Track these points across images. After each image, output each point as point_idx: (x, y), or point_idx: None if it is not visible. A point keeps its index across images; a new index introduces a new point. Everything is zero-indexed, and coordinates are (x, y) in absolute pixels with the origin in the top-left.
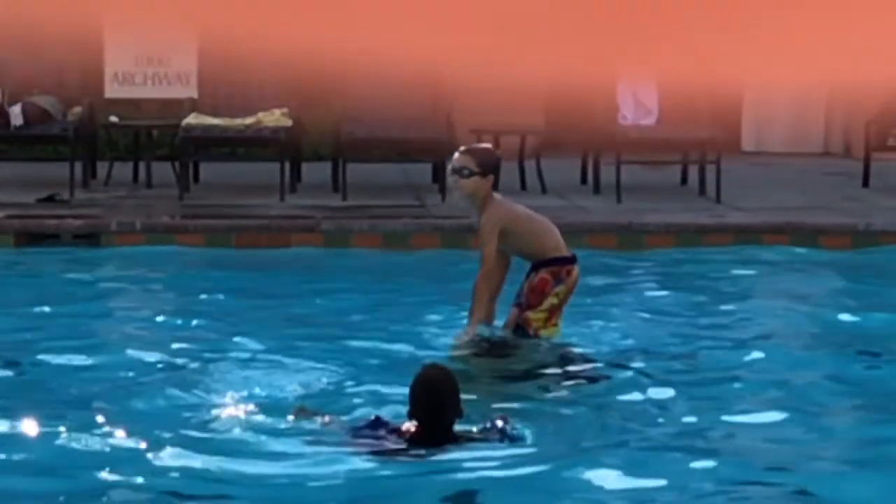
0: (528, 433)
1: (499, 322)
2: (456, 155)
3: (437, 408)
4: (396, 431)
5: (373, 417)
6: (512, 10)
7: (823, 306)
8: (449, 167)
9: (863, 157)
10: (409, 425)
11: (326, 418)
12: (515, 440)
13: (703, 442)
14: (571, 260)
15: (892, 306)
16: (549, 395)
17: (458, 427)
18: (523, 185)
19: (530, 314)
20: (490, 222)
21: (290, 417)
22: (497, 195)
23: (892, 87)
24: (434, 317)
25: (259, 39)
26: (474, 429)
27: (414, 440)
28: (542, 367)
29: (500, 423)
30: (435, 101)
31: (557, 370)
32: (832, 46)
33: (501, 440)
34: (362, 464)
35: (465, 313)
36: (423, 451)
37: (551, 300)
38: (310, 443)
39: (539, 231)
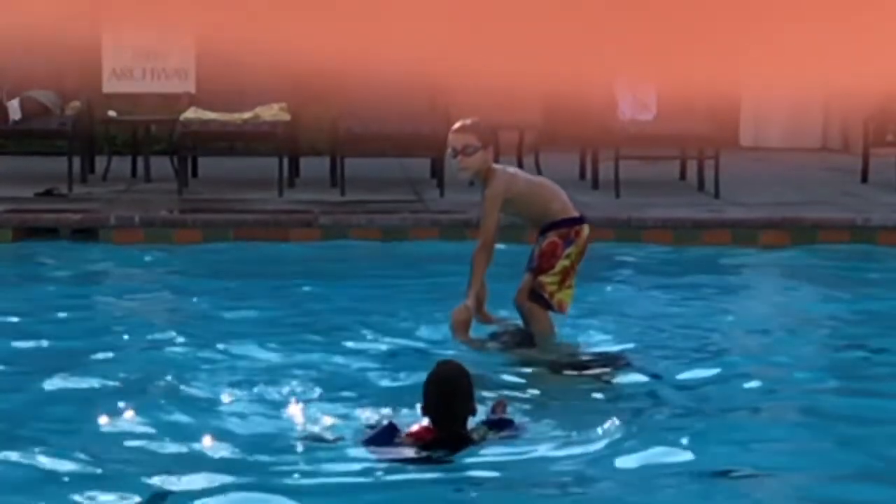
0: (530, 428)
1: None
2: (453, 135)
3: (450, 405)
4: (410, 435)
5: (386, 423)
6: (510, 5)
7: (822, 301)
8: (449, 149)
9: (861, 152)
10: (422, 427)
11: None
12: (520, 430)
13: (703, 436)
14: (580, 220)
15: (891, 301)
16: (556, 390)
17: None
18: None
19: (544, 278)
20: (494, 194)
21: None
22: (496, 165)
23: (891, 82)
24: (432, 312)
25: (257, 34)
26: (478, 426)
27: (428, 443)
28: (547, 362)
29: (501, 415)
30: (432, 96)
31: (562, 365)
32: (830, 44)
33: (508, 431)
34: (377, 472)
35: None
36: (437, 456)
37: (563, 262)
38: (320, 449)
39: (543, 195)
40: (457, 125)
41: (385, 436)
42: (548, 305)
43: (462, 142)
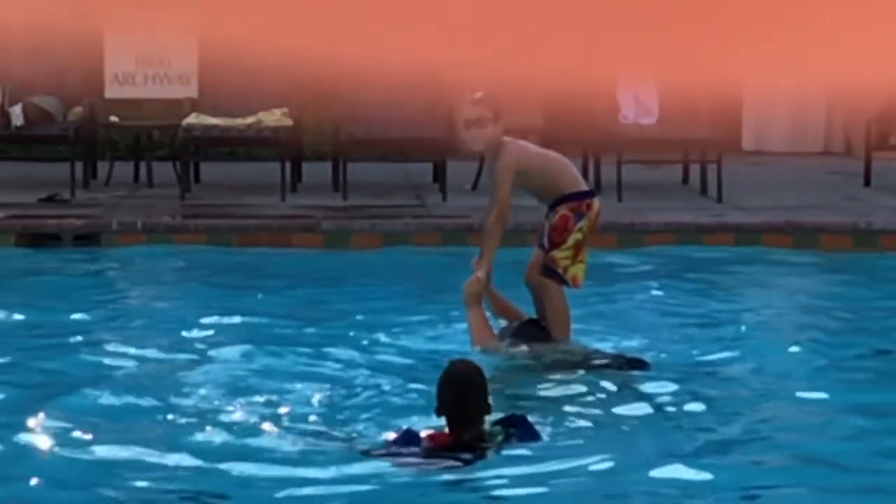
0: (544, 429)
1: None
2: (466, 107)
3: (465, 404)
4: (429, 440)
5: (404, 429)
6: (511, 10)
7: (824, 305)
8: (462, 120)
9: (863, 156)
10: (440, 431)
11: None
12: (536, 437)
13: (706, 439)
14: (590, 194)
15: (894, 304)
16: (568, 391)
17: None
18: None
19: (556, 253)
20: (506, 165)
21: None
22: (507, 138)
23: (893, 85)
24: (435, 316)
25: (259, 40)
26: (494, 427)
27: (447, 446)
28: (556, 365)
29: (519, 421)
30: (434, 100)
31: (574, 365)
32: (833, 46)
33: (524, 438)
34: (398, 477)
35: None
36: (458, 459)
37: (575, 236)
38: (337, 455)
39: (554, 168)
40: (469, 97)
41: (405, 441)
42: (561, 280)
43: (475, 114)
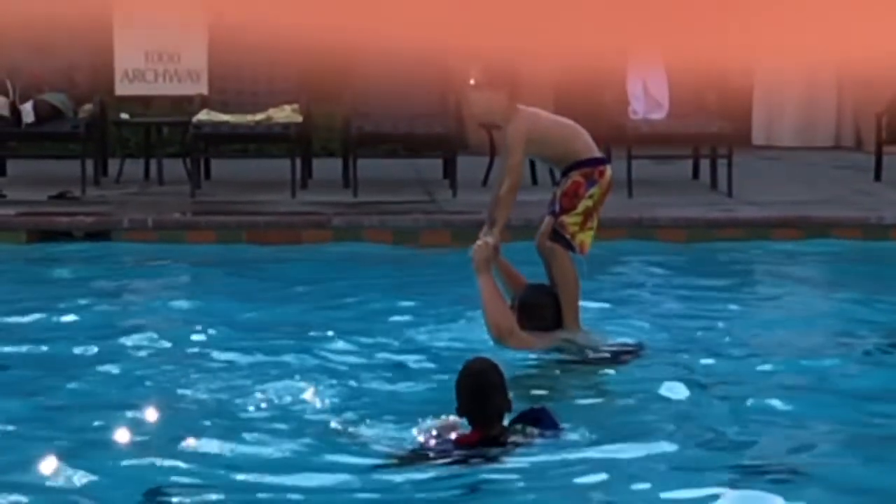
0: (566, 422)
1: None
2: (469, 72)
3: (485, 401)
4: (456, 440)
5: (434, 433)
6: (519, 3)
7: (835, 299)
8: (466, 85)
9: (874, 150)
10: (465, 433)
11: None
12: (559, 429)
13: (715, 434)
14: (603, 160)
15: None
16: (583, 385)
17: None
18: (534, 180)
19: (566, 218)
20: (516, 133)
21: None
22: (521, 106)
23: None
24: (446, 312)
25: (268, 35)
26: (516, 423)
27: (474, 445)
28: (573, 356)
29: (541, 414)
30: (444, 95)
31: (586, 359)
32: (843, 37)
33: (547, 431)
34: (426, 475)
35: (478, 313)
36: (486, 456)
37: (586, 202)
38: (361, 459)
39: (567, 135)
40: (474, 63)
41: (433, 442)
42: (569, 246)
43: (474, 78)
